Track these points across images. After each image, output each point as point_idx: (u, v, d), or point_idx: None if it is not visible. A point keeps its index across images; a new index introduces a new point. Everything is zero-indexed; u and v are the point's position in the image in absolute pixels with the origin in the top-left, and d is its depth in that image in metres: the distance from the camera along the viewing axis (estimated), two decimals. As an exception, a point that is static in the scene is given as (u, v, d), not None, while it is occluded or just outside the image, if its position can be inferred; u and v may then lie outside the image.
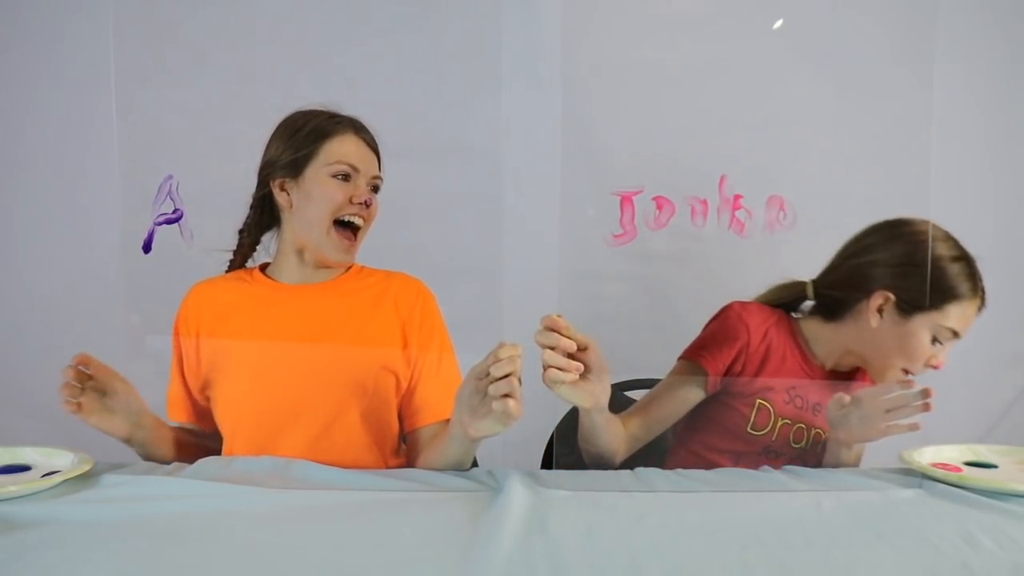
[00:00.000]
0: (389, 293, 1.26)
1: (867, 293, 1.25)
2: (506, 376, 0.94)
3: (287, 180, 1.23)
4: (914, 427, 1.11)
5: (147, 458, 1.17)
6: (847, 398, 1.16)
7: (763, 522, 0.89)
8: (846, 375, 1.35)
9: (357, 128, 1.26)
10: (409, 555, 0.80)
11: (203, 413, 1.27)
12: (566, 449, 1.43)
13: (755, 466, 1.15)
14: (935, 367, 1.25)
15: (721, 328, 1.29)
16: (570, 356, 1.00)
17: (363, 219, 1.23)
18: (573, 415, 1.45)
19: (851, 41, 1.45)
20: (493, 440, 1.04)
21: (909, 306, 1.23)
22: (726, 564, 0.78)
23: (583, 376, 1.02)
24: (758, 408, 1.28)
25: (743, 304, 1.31)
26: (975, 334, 1.28)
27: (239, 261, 1.32)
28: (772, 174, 1.33)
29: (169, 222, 1.27)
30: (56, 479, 0.98)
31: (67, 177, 1.96)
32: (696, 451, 1.33)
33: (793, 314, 1.37)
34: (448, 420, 1.09)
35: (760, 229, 1.29)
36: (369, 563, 0.78)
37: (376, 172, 1.26)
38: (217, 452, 1.25)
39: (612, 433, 1.18)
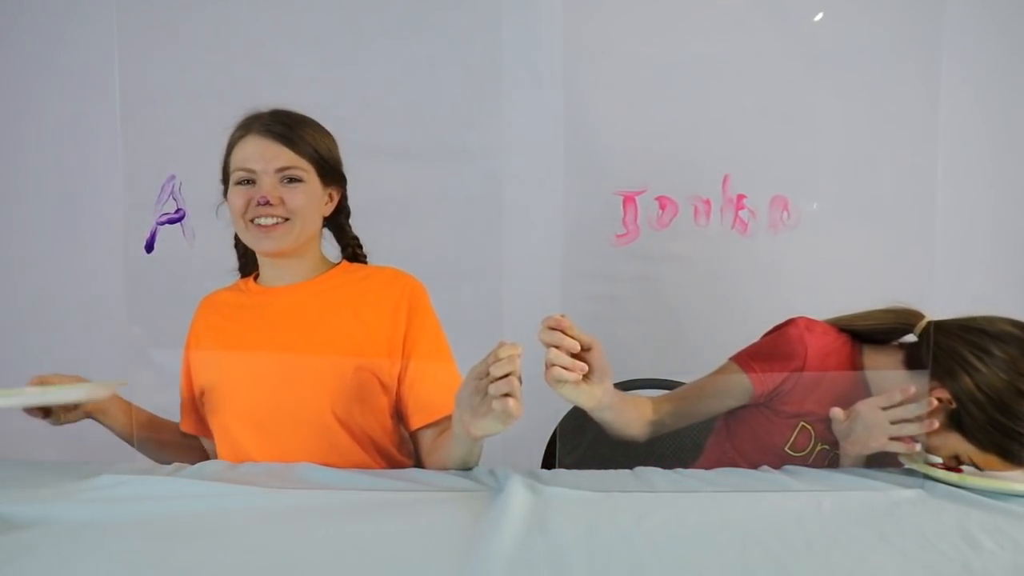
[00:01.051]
0: (373, 290, 1.24)
1: (941, 381, 1.10)
2: (506, 375, 0.94)
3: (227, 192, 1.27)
4: (911, 447, 1.10)
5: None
6: (841, 414, 1.13)
7: (763, 522, 0.89)
8: None
9: (264, 124, 1.21)
10: (409, 555, 0.80)
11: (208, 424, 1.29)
12: (568, 448, 1.43)
13: None
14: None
15: (778, 343, 1.23)
16: (573, 356, 0.99)
17: (272, 216, 1.20)
18: (575, 414, 1.46)
19: (857, 41, 1.45)
20: (493, 439, 1.04)
21: (958, 426, 1.09)
22: (726, 564, 0.78)
23: (586, 377, 1.01)
24: (800, 429, 1.23)
25: (809, 323, 1.23)
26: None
27: (244, 271, 1.34)
28: (776, 174, 1.32)
29: (171, 222, 1.28)
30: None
31: (70, 177, 1.97)
32: (730, 455, 1.30)
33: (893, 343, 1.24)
34: (445, 417, 1.08)
35: (764, 229, 1.28)
36: (369, 563, 0.78)
37: (283, 163, 1.20)
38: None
39: (626, 421, 1.17)
